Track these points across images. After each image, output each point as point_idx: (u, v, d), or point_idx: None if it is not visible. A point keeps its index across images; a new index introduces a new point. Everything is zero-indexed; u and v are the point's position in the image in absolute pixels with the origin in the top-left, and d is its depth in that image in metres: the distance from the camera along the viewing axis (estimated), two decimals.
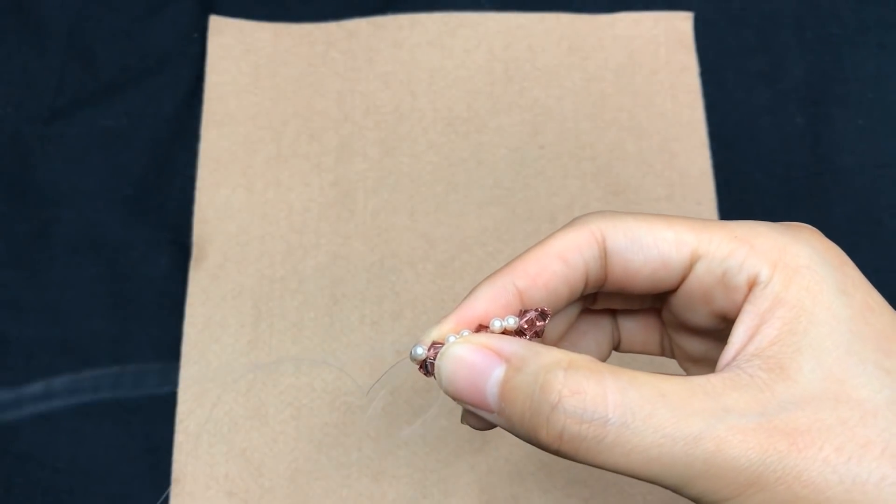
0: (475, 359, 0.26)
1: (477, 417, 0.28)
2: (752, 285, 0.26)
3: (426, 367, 0.28)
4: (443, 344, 0.27)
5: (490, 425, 0.29)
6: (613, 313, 0.33)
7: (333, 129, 0.51)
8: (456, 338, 0.27)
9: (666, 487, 0.24)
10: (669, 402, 0.23)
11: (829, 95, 0.52)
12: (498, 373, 0.25)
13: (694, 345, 0.31)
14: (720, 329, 0.28)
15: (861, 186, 0.51)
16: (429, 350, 0.28)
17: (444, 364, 0.26)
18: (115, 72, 0.53)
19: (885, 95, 0.52)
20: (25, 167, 0.50)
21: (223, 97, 0.52)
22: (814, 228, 0.27)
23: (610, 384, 0.23)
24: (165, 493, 0.44)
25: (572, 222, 0.29)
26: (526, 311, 0.27)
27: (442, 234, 0.49)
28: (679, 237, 0.27)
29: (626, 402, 0.23)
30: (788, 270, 0.25)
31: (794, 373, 0.23)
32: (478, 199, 0.50)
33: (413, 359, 0.28)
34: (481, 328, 0.27)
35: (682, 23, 0.54)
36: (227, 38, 0.53)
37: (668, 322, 0.31)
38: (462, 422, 0.30)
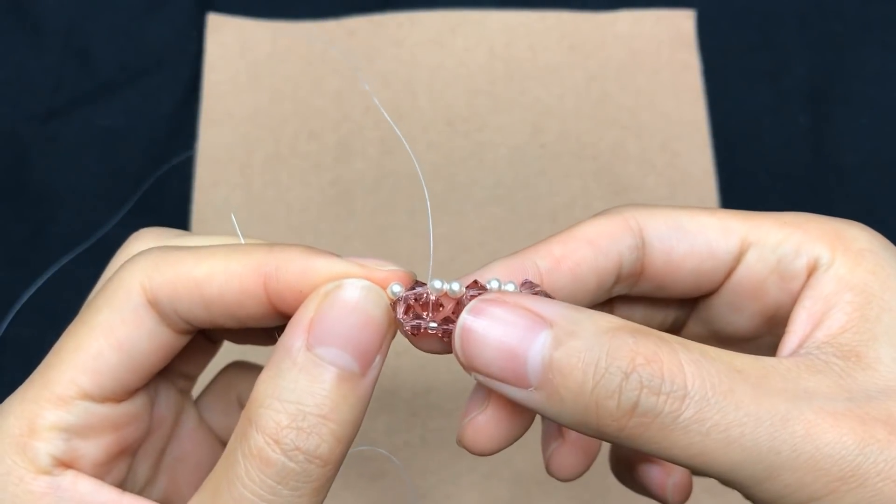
0: (511, 320, 0.21)
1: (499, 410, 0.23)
2: (811, 270, 0.23)
3: (404, 305, 0.23)
4: (422, 285, 0.23)
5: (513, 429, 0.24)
6: None
7: (332, 128, 0.51)
8: (461, 286, 0.23)
9: (740, 485, 0.20)
10: (747, 379, 0.20)
11: (832, 94, 0.52)
12: (544, 337, 0.21)
13: None
14: (759, 336, 0.26)
15: (864, 185, 0.50)
16: (410, 289, 0.23)
17: (467, 325, 0.21)
18: (113, 71, 0.52)
19: (888, 94, 0.52)
20: (23, 167, 0.50)
21: (221, 96, 0.51)
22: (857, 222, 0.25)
23: (683, 354, 0.20)
24: None
25: (604, 211, 0.25)
26: (530, 283, 0.23)
27: (442, 234, 0.49)
28: (725, 225, 0.25)
29: (703, 375, 0.20)
30: (851, 253, 0.23)
31: (873, 361, 0.21)
32: (478, 199, 0.49)
33: (392, 295, 0.23)
34: (474, 285, 0.23)
35: (683, 21, 0.53)
36: (225, 36, 0.53)
37: (691, 338, 0.28)
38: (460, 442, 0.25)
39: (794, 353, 0.22)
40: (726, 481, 0.20)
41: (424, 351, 0.24)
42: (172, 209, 0.49)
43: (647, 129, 0.51)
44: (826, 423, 0.20)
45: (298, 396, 0.21)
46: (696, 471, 0.21)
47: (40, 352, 0.47)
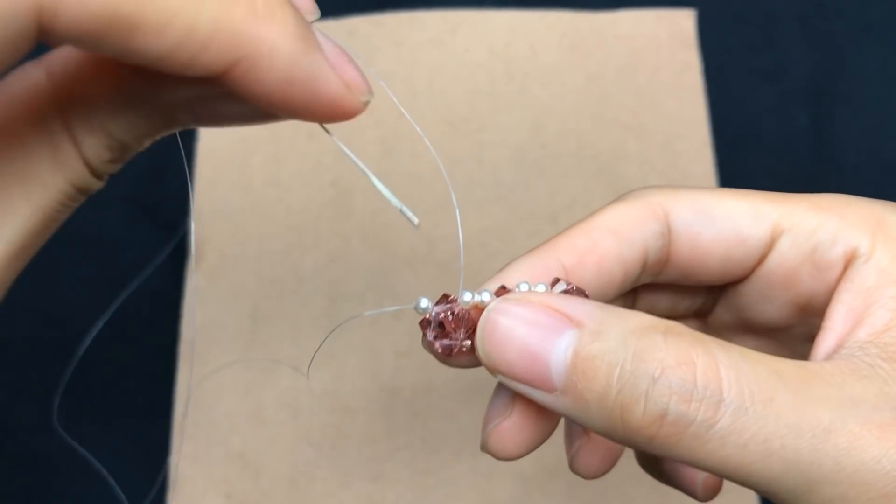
0: (535, 320, 0.20)
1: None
2: (849, 260, 0.22)
3: (435, 325, 0.22)
4: (448, 300, 0.22)
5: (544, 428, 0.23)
6: None
7: (332, 127, 0.51)
8: (492, 296, 0.21)
9: (777, 498, 0.19)
10: (789, 385, 0.19)
11: (833, 94, 0.52)
12: (568, 338, 0.19)
13: None
14: (791, 326, 0.25)
15: (865, 185, 0.50)
16: (438, 304, 0.22)
17: (490, 326, 0.20)
18: None
19: (889, 94, 0.52)
20: None
21: None
22: None
23: (721, 357, 0.19)
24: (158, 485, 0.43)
25: (625, 196, 0.24)
26: (559, 281, 0.22)
27: (442, 234, 0.49)
28: (756, 209, 0.23)
29: (741, 381, 0.19)
30: (892, 242, 0.21)
31: None
32: (478, 199, 0.49)
33: (420, 312, 0.22)
34: (503, 291, 0.22)
35: (684, 20, 0.53)
36: None
37: (718, 325, 0.27)
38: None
39: (836, 353, 0.21)
40: (764, 493, 0.19)
41: (455, 367, 0.23)
42: (172, 209, 0.49)
43: (648, 129, 0.51)
44: (872, 435, 0.18)
45: None
46: (733, 482, 0.20)
47: (39, 352, 0.47)
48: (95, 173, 0.19)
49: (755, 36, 0.53)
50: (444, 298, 0.22)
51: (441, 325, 0.22)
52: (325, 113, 0.18)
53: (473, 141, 0.51)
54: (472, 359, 0.22)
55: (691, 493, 0.28)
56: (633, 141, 0.50)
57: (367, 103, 0.18)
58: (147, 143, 0.20)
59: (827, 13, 0.54)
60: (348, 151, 0.21)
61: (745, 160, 0.51)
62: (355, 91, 0.18)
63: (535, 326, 0.20)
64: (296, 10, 0.17)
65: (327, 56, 0.17)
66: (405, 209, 0.21)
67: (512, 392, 0.22)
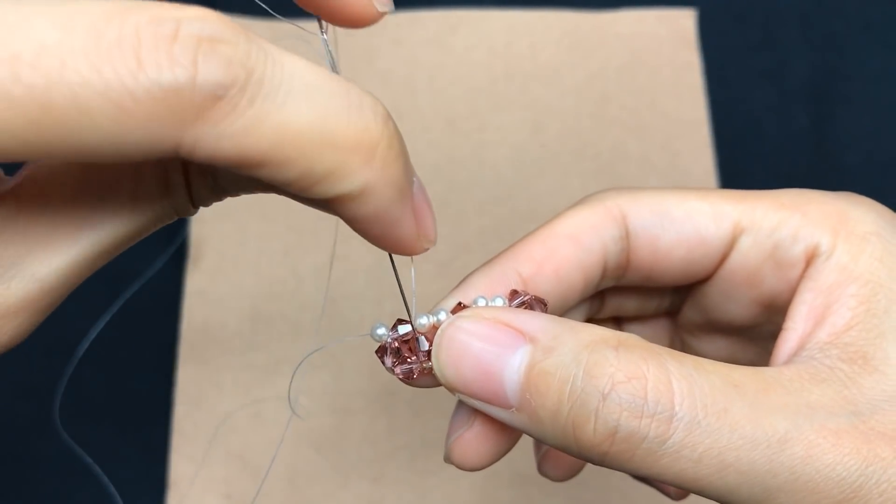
0: (489, 336, 0.20)
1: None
2: (810, 258, 0.21)
3: (392, 352, 0.22)
4: (405, 322, 0.21)
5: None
6: (618, 322, 0.28)
7: None
8: (448, 314, 0.21)
9: None
10: (745, 394, 0.19)
11: (834, 94, 0.52)
12: (521, 354, 0.19)
13: (717, 349, 0.27)
14: (758, 324, 0.25)
15: (866, 185, 0.50)
16: (393, 328, 0.21)
17: (445, 344, 0.20)
18: None
19: (890, 94, 0.52)
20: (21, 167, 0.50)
21: None
22: (865, 197, 0.22)
23: (673, 369, 0.19)
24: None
25: (584, 200, 0.24)
26: (517, 293, 0.22)
27: (442, 234, 0.48)
28: (716, 209, 0.23)
29: (694, 393, 0.18)
30: (854, 238, 0.21)
31: (881, 363, 0.19)
32: (478, 199, 0.49)
33: (377, 339, 0.22)
34: (460, 308, 0.22)
35: (685, 20, 0.53)
36: None
37: (687, 324, 0.27)
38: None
39: (796, 355, 0.21)
40: (722, 502, 0.19)
41: (421, 388, 0.23)
42: None
43: (648, 129, 0.51)
44: (828, 442, 0.18)
45: None
46: (690, 492, 0.20)
47: (38, 353, 0.47)
48: (194, 205, 0.21)
49: (755, 36, 0.53)
50: (399, 322, 0.22)
51: (398, 350, 0.21)
52: (388, 247, 0.19)
53: (473, 140, 0.51)
54: (435, 379, 0.22)
55: (665, 493, 0.28)
56: (633, 141, 0.50)
57: (427, 249, 0.19)
58: (243, 195, 0.22)
59: (827, 13, 0.54)
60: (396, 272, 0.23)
61: (745, 160, 0.51)
62: (423, 240, 0.19)
63: (488, 343, 0.20)
64: (405, 157, 0.17)
65: (414, 204, 0.18)
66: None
67: None
